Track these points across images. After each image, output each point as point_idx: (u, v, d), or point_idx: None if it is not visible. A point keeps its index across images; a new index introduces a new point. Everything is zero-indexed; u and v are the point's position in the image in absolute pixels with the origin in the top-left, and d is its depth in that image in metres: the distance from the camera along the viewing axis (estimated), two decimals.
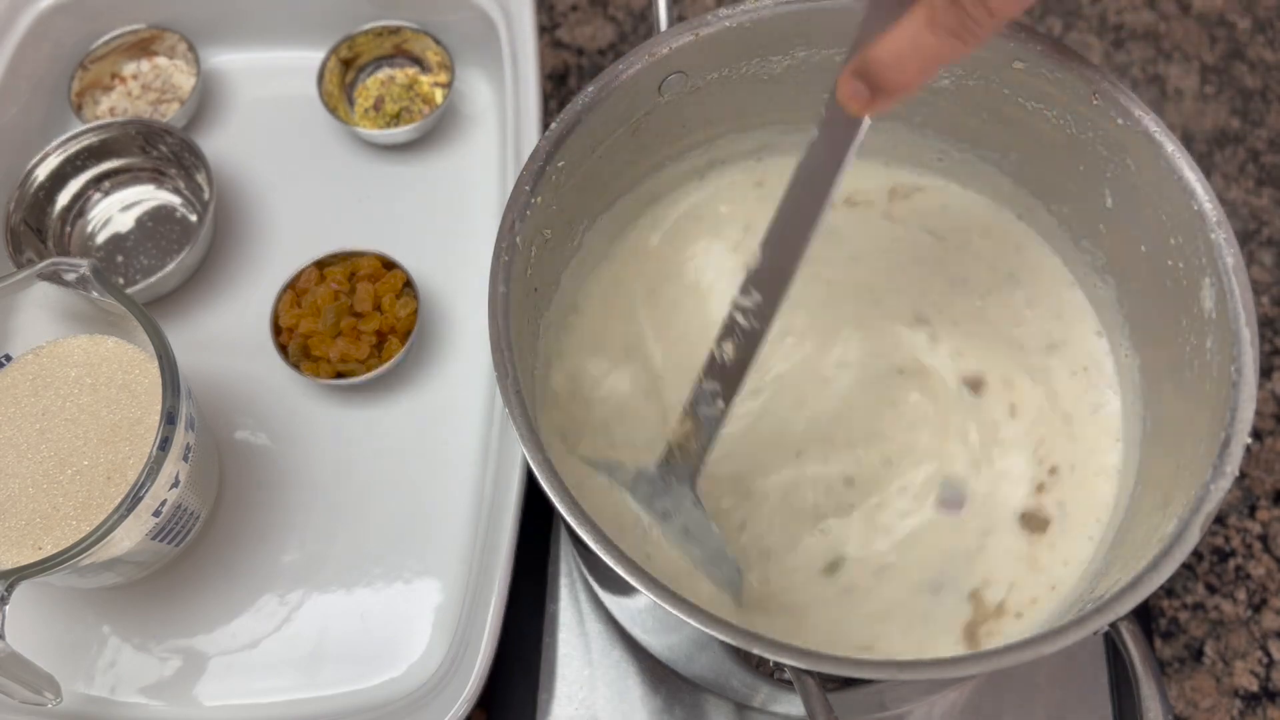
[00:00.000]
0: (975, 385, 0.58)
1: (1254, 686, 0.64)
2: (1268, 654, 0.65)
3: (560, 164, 0.53)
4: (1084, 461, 0.56)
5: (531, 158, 0.52)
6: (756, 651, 0.41)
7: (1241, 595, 0.66)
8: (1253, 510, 0.69)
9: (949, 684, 0.58)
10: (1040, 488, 0.56)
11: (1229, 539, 0.68)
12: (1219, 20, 0.85)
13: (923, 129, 0.61)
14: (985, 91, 0.56)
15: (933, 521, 0.55)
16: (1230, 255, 0.47)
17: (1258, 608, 0.66)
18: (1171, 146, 0.50)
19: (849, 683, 0.48)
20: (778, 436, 0.57)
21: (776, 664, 0.42)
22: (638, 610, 0.56)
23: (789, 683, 0.45)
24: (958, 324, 0.60)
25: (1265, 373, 0.73)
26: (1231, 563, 0.67)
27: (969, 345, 0.59)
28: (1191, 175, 0.49)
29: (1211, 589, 0.66)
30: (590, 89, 0.53)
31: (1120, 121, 0.51)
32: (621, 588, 0.54)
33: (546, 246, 0.54)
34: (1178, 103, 0.82)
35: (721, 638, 0.41)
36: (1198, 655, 0.65)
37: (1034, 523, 0.55)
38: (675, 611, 0.42)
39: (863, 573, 0.54)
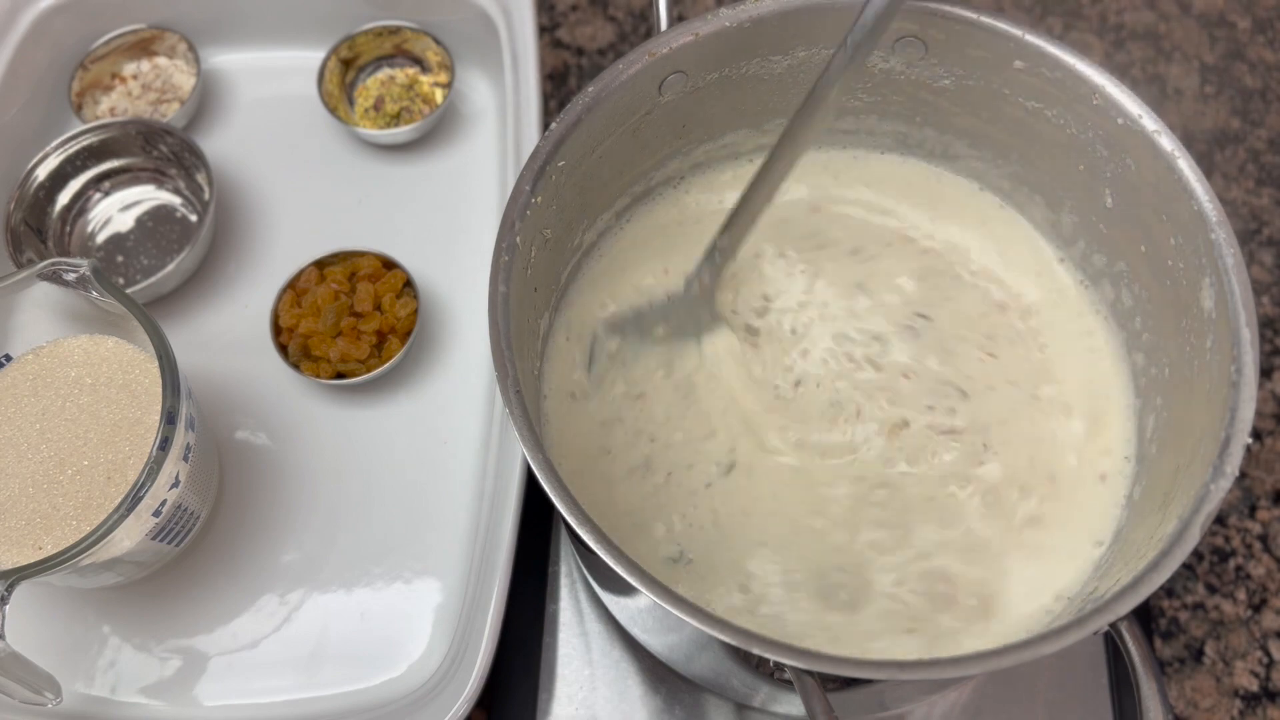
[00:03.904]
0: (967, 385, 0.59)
1: (1254, 686, 0.64)
2: (1268, 654, 0.65)
3: (560, 164, 0.53)
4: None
5: (531, 158, 0.52)
6: (756, 651, 0.41)
7: (1241, 595, 0.66)
8: (1253, 510, 0.69)
9: (949, 684, 0.58)
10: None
11: (1229, 539, 0.68)
12: (1219, 20, 0.85)
13: (923, 128, 0.61)
14: (985, 92, 0.56)
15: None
16: (1230, 255, 0.47)
17: (1258, 608, 0.66)
18: (1171, 146, 0.50)
19: (850, 683, 0.48)
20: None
21: (776, 664, 0.42)
22: (638, 610, 0.56)
23: (789, 683, 0.45)
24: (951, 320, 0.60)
25: (1265, 373, 0.73)
26: (1231, 563, 0.67)
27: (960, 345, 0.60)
28: (1191, 175, 0.49)
29: (1211, 589, 0.66)
30: (590, 89, 0.53)
31: (1120, 121, 0.51)
32: (621, 588, 0.54)
33: (546, 247, 0.54)
34: (1178, 103, 0.82)
35: (721, 637, 0.41)
36: (1198, 655, 0.65)
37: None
38: (675, 611, 0.41)
39: None
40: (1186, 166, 0.49)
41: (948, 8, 0.53)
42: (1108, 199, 0.55)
